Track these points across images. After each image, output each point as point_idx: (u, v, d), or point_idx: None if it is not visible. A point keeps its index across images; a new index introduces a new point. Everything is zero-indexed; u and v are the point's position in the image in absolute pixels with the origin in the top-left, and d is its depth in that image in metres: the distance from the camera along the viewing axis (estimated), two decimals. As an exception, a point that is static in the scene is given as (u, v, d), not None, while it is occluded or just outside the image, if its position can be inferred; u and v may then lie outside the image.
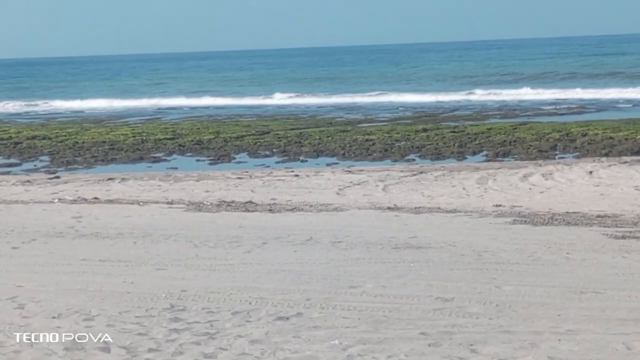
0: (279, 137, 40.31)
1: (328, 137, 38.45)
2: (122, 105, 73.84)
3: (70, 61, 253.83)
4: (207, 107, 67.69)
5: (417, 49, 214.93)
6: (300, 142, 37.73)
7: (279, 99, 72.73)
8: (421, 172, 25.80)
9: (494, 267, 12.90)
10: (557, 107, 53.04)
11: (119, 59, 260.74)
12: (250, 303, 10.94)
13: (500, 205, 19.21)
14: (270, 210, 19.62)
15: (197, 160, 35.50)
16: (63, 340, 9.19)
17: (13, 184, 27.01)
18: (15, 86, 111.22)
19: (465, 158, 31.02)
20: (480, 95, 64.84)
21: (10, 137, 46.07)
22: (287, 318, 10.20)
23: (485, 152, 31.90)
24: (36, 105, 78.13)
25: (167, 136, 43.36)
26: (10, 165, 36.81)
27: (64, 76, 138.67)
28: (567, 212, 17.97)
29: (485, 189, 22.05)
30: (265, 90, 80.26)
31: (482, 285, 11.73)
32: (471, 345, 9.23)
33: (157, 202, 21.52)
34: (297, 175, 26.08)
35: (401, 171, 26.41)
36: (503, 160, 29.75)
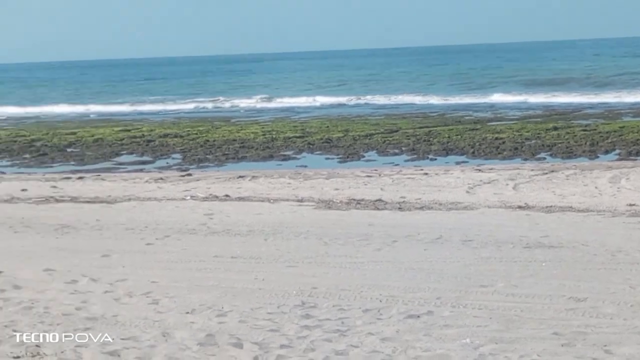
0: (407, 136, 40.20)
1: (457, 135, 38.17)
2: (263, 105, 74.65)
3: (199, 61, 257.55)
4: (338, 106, 67.95)
5: (539, 47, 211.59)
6: (429, 141, 37.56)
7: (406, 97, 72.52)
8: (552, 171, 25.41)
9: (628, 267, 12.62)
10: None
11: (246, 59, 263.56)
12: (380, 301, 10.93)
13: (634, 205, 18.78)
14: (399, 208, 19.57)
15: (327, 159, 35.64)
16: (197, 336, 9.32)
17: (146, 182, 27.53)
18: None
19: (597, 157, 30.46)
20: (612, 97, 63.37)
21: (142, 135, 47.02)
22: (418, 316, 10.16)
23: (617, 151, 31.25)
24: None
25: (297, 134, 43.66)
26: (143, 162, 37.57)
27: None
28: None
29: (618, 188, 21.59)
30: (390, 89, 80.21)
31: (616, 286, 11.49)
32: (605, 346, 9.05)
33: (287, 200, 21.67)
34: (426, 174, 25.95)
35: (532, 170, 26.05)
36: (636, 159, 29.09)
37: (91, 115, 69.19)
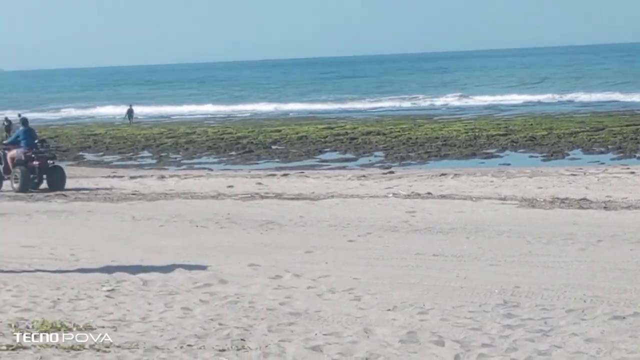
0: (614, 134, 39.20)
1: (667, 133, 36.96)
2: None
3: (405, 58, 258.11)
4: (540, 104, 66.83)
5: None
6: (636, 139, 36.50)
7: (610, 95, 70.80)
8: None
9: None
10: None
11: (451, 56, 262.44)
12: (584, 301, 10.68)
13: None
14: (605, 207, 19.08)
15: (530, 157, 35.19)
16: (398, 333, 9.34)
17: (349, 179, 27.79)
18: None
19: None
20: None
21: (346, 132, 47.49)
22: (624, 317, 9.86)
23: None
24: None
25: (500, 132, 43.23)
26: (346, 160, 37.95)
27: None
28: None
29: None
30: (592, 87, 78.43)
31: None
32: None
33: (489, 198, 21.46)
34: (633, 172, 25.23)
35: None
36: None
37: (290, 114, 70.33)
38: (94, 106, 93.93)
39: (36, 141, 28.26)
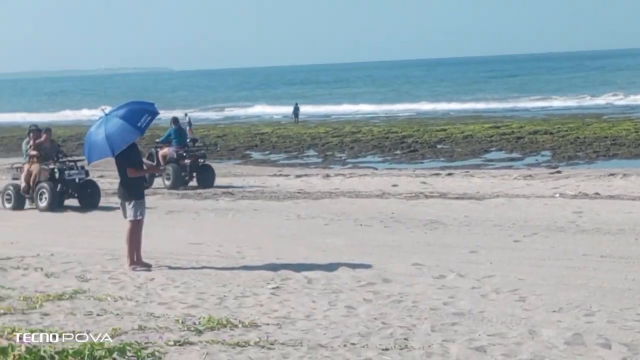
0: None
1: None
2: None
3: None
4: None
5: None
6: None
7: None
8: None
9: None
10: None
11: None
12: None
13: None
14: None
15: None
16: (564, 335, 9.17)
17: (515, 178, 27.44)
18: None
19: None
20: None
21: (512, 131, 46.91)
22: None
23: None
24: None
25: (674, 131, 42.01)
26: (512, 159, 37.49)
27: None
28: None
29: None
30: None
31: None
32: None
33: (660, 199, 20.87)
34: None
35: None
36: None
37: (451, 113, 69.89)
38: (253, 105, 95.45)
39: (187, 140, 29.08)
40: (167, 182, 27.36)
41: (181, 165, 27.70)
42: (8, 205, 23.47)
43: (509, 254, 14.43)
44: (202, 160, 28.67)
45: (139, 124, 13.47)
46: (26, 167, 23.32)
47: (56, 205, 22.70)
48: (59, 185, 22.88)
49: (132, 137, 13.52)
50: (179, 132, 28.73)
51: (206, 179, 28.12)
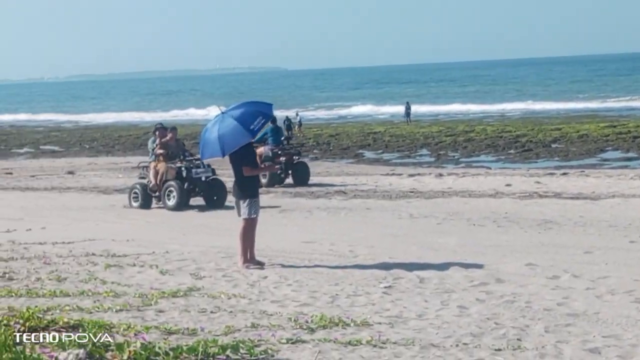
0: None
1: None
2: None
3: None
4: None
5: None
6: None
7: None
8: None
9: None
10: None
11: None
12: None
13: None
14: None
15: None
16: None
17: (631, 178, 26.97)
18: None
19: None
20: None
21: (629, 131, 46.07)
22: None
23: None
24: None
25: None
26: (629, 159, 36.87)
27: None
28: None
29: None
30: None
31: None
32: None
33: None
34: None
35: None
36: None
37: (564, 112, 68.92)
38: (364, 104, 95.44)
39: (282, 138, 29.33)
40: (263, 180, 27.49)
41: (276, 163, 27.74)
42: (135, 204, 23.52)
43: (625, 254, 14.18)
44: (296, 158, 29.07)
45: (251, 127, 13.58)
46: (152, 165, 23.43)
47: (184, 203, 22.77)
48: (186, 184, 22.98)
49: (244, 139, 13.64)
50: (275, 131, 29.00)
51: (301, 176, 28.56)
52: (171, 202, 22.74)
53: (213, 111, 13.29)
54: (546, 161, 37.95)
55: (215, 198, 23.24)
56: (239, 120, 13.57)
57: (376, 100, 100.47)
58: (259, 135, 29.88)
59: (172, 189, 22.83)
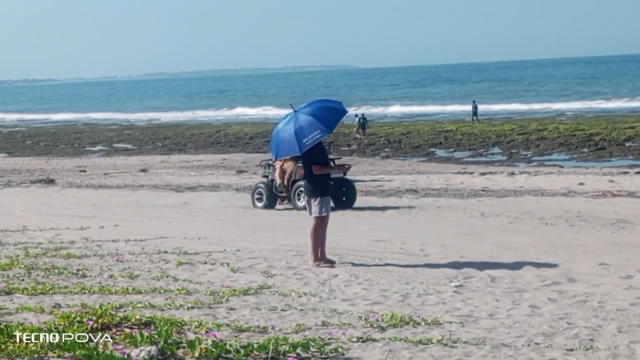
0: None
1: None
2: None
3: None
4: None
5: None
6: None
7: None
8: None
9: None
10: None
11: None
12: None
13: None
14: None
15: None
16: None
17: None
18: None
19: None
20: None
21: None
22: None
23: None
24: None
25: None
26: None
27: None
28: None
29: None
30: None
31: None
32: None
33: None
34: None
35: None
36: None
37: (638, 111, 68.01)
38: (432, 103, 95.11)
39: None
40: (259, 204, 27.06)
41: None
42: (259, 204, 22.98)
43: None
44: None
45: (329, 122, 13.52)
46: (278, 164, 22.55)
47: None
48: None
49: (322, 134, 13.52)
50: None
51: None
52: (301, 203, 21.54)
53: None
54: (620, 160, 37.51)
55: (344, 199, 22.58)
56: (314, 115, 13.46)
57: (441, 99, 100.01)
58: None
59: (302, 189, 20.98)
